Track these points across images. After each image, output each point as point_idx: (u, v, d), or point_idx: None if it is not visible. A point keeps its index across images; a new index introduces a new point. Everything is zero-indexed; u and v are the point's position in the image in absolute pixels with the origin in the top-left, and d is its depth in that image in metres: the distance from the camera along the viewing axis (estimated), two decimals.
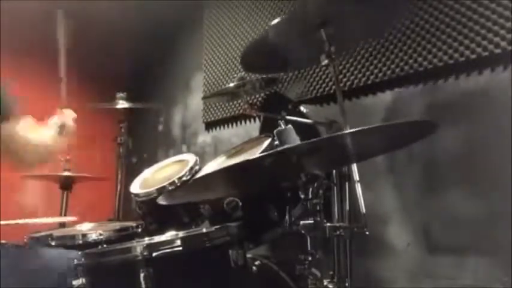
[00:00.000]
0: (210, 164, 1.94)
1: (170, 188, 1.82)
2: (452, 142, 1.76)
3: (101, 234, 1.66)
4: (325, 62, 1.53)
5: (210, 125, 2.95)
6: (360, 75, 2.07)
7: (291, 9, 2.38)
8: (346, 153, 1.28)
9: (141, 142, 3.44)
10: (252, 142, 1.89)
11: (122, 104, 2.62)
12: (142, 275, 1.13)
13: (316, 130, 1.75)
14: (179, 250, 1.18)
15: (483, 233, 1.67)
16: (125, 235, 1.74)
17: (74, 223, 2.01)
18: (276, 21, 1.45)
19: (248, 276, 1.42)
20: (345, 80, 2.11)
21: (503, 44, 1.63)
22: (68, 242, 1.69)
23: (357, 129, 0.97)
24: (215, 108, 2.84)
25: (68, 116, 1.82)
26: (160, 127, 3.42)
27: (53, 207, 2.57)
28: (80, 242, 1.69)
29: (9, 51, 2.87)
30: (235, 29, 2.75)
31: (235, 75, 1.96)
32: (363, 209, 1.43)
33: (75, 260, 1.26)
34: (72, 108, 1.87)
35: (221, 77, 2.82)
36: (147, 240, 1.29)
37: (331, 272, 1.45)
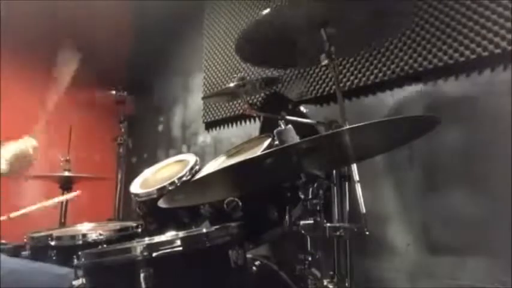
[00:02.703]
0: (211, 164, 1.94)
1: (170, 188, 1.82)
2: (452, 142, 1.76)
3: (101, 234, 1.66)
4: (325, 62, 1.53)
5: (210, 125, 2.95)
6: (360, 75, 2.07)
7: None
8: (346, 152, 1.28)
9: (141, 142, 3.44)
10: (252, 142, 1.89)
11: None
12: (142, 275, 1.13)
13: (316, 130, 1.75)
14: (179, 250, 1.18)
15: (483, 233, 1.67)
16: (125, 235, 1.74)
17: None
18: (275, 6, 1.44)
19: (248, 276, 1.42)
20: (345, 80, 2.11)
21: (503, 44, 1.63)
22: (68, 242, 1.69)
23: (356, 125, 0.97)
24: (215, 108, 2.84)
25: (29, 144, 1.70)
26: (160, 127, 3.42)
27: (53, 207, 2.56)
28: (80, 242, 1.69)
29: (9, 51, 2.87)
30: (235, 29, 2.75)
31: (235, 75, 1.95)
32: (363, 209, 1.43)
33: (75, 261, 1.26)
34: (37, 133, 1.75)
35: (221, 77, 2.82)
36: (147, 240, 1.29)
37: (331, 272, 1.45)
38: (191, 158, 2.03)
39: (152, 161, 2.83)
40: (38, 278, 1.45)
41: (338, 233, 1.38)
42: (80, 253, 1.28)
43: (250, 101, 2.44)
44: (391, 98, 1.99)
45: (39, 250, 1.68)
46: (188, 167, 1.91)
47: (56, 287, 1.38)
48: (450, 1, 1.78)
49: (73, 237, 1.73)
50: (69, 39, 1.83)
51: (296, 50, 1.68)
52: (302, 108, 2.20)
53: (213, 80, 2.88)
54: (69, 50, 1.82)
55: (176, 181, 1.84)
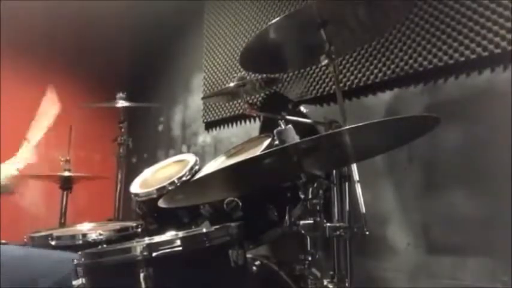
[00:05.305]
0: (210, 164, 1.94)
1: (170, 188, 1.82)
2: (452, 142, 1.76)
3: (101, 234, 1.66)
4: (325, 62, 1.53)
5: (210, 125, 2.95)
6: (360, 75, 2.07)
7: (291, 9, 2.39)
8: (346, 152, 1.28)
9: (141, 142, 3.43)
10: (252, 142, 1.90)
11: (122, 103, 2.62)
12: (142, 275, 1.13)
13: (316, 130, 1.75)
14: (179, 250, 1.18)
15: (483, 233, 1.66)
16: (125, 235, 1.74)
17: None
18: (276, 19, 1.45)
19: (248, 276, 1.42)
20: (345, 80, 2.11)
21: (503, 44, 1.63)
22: (68, 242, 1.69)
23: (356, 125, 0.97)
24: (215, 108, 2.84)
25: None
26: (160, 127, 3.42)
27: (53, 207, 2.57)
28: (80, 242, 1.69)
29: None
30: (235, 29, 2.75)
31: (235, 75, 1.95)
32: (363, 209, 1.43)
33: (75, 260, 1.26)
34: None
35: (221, 77, 2.82)
36: (147, 240, 1.29)
37: (331, 272, 1.45)
38: (191, 158, 2.03)
39: (152, 161, 2.84)
40: (38, 263, 1.45)
41: (338, 233, 1.38)
42: (79, 253, 1.28)
43: (250, 101, 2.44)
44: (391, 98, 1.99)
45: None
46: (188, 167, 1.91)
47: (56, 271, 1.38)
48: (450, 1, 1.78)
49: (73, 237, 1.73)
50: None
51: (297, 53, 1.69)
52: (302, 108, 2.20)
53: (213, 80, 2.88)
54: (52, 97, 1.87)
55: (176, 181, 1.84)
